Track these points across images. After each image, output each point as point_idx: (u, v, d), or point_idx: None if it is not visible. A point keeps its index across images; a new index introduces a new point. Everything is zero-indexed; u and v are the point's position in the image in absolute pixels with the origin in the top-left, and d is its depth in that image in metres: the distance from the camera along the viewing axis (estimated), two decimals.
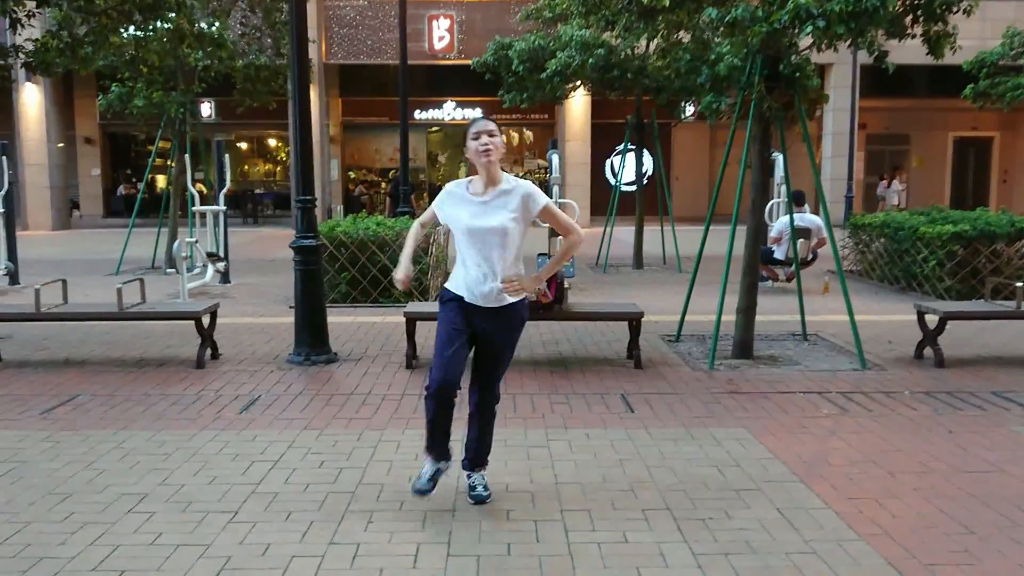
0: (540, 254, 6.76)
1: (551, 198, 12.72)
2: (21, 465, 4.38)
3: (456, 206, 3.73)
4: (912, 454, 4.54)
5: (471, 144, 3.65)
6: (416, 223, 4.06)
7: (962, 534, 3.53)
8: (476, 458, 3.95)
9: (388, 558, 3.31)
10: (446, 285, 3.82)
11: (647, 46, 11.79)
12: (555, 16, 12.41)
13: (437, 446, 3.81)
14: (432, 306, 7.76)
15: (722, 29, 6.24)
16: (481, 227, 3.64)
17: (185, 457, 4.49)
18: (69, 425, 5.07)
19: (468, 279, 3.71)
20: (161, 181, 24.90)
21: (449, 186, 3.82)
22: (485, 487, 3.90)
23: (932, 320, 6.76)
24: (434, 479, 3.83)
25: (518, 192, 3.67)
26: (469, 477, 3.95)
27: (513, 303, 3.74)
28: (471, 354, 3.85)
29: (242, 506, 3.83)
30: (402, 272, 3.86)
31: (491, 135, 3.64)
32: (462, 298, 3.73)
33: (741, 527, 3.60)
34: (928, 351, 6.73)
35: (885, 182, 23.54)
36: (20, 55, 8.49)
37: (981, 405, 5.51)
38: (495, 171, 3.68)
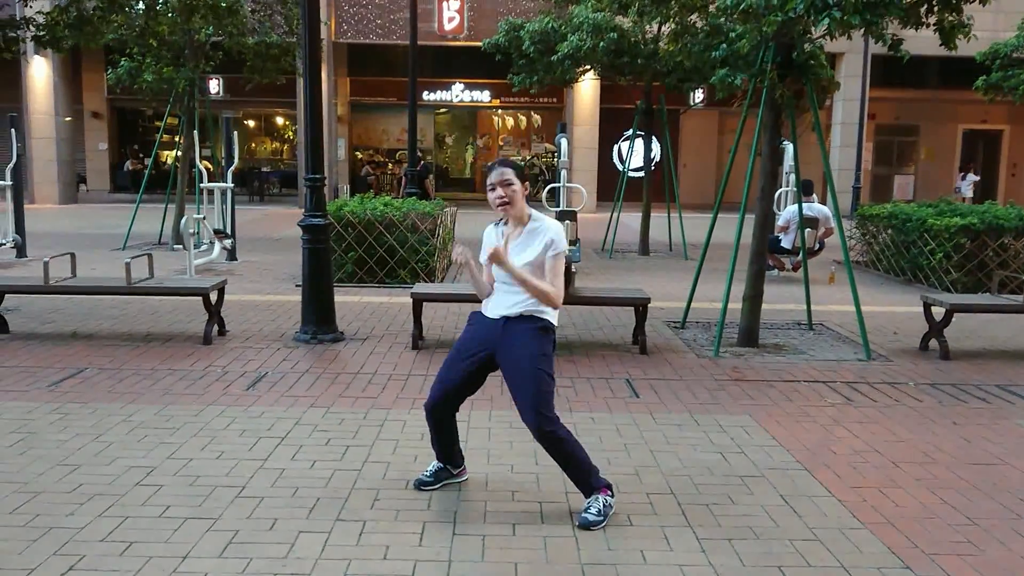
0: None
1: (559, 182, 12.75)
2: (30, 436, 4.41)
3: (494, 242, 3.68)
4: (916, 445, 4.55)
5: (488, 195, 3.62)
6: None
7: (965, 525, 3.54)
8: (580, 487, 3.58)
9: (394, 535, 3.34)
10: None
11: (658, 30, 11.74)
12: None
13: (440, 452, 3.84)
14: (438, 287, 7.79)
15: (736, 16, 6.20)
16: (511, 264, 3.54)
17: (192, 432, 4.52)
18: (77, 398, 5.10)
19: (494, 299, 3.70)
20: (169, 157, 24.92)
21: (488, 231, 3.76)
22: (599, 511, 3.46)
23: (938, 312, 6.75)
24: (437, 476, 3.83)
25: (543, 234, 3.57)
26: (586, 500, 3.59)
27: (526, 318, 3.57)
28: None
29: (249, 481, 3.86)
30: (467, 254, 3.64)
31: (506, 185, 3.56)
32: (483, 318, 3.72)
33: (745, 513, 3.62)
34: (934, 343, 6.74)
35: (962, 175, 23.50)
36: (30, 28, 8.48)
37: (985, 398, 5.52)
38: (518, 215, 3.62)
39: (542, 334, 3.58)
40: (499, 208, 3.60)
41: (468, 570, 3.09)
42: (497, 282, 3.69)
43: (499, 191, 3.57)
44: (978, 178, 23.58)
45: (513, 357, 3.54)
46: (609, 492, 3.55)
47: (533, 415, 3.46)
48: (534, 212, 3.68)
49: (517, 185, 3.60)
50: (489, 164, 3.71)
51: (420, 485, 3.81)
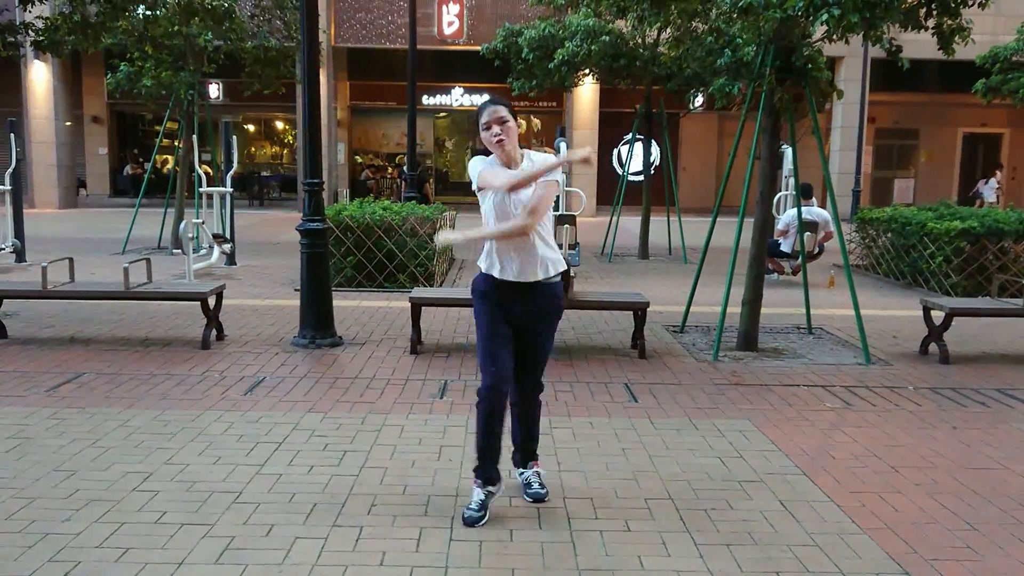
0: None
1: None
2: (27, 441, 4.40)
3: (496, 176, 3.50)
4: (915, 449, 4.54)
5: (483, 134, 3.52)
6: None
7: (964, 530, 3.53)
8: (526, 451, 3.79)
9: (391, 541, 3.33)
10: (481, 271, 3.63)
11: (657, 35, 11.75)
12: (567, 2, 12.38)
13: (488, 464, 3.56)
14: (437, 291, 7.78)
15: (735, 15, 6.20)
16: (517, 199, 3.49)
17: (190, 437, 4.51)
18: (75, 402, 5.09)
19: (504, 256, 3.53)
20: (168, 161, 24.92)
21: (481, 159, 3.60)
22: (542, 484, 3.75)
23: (938, 316, 6.74)
24: (484, 506, 3.52)
25: (539, 164, 3.50)
26: (522, 475, 3.81)
27: (555, 281, 3.59)
28: None
29: (246, 487, 3.85)
30: (457, 235, 3.61)
31: (502, 122, 3.48)
32: (496, 284, 3.56)
33: (743, 518, 3.60)
34: (933, 347, 6.72)
35: (984, 179, 23.41)
36: (29, 33, 8.48)
37: (985, 402, 5.50)
38: (512, 153, 3.54)
39: (560, 312, 3.72)
40: (496, 146, 3.49)
41: None
42: (493, 220, 3.52)
43: (495, 128, 3.47)
44: (999, 185, 23.27)
45: (540, 337, 3.65)
46: (539, 463, 3.86)
47: (536, 382, 3.73)
48: (526, 151, 3.61)
49: (511, 122, 3.51)
50: (479, 105, 3.59)
51: (473, 523, 3.46)
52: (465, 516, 3.52)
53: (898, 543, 3.39)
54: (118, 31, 9.52)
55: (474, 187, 3.57)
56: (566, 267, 3.67)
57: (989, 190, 22.81)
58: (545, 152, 3.70)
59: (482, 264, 3.63)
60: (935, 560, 3.25)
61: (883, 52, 6.52)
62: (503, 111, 3.50)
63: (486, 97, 3.55)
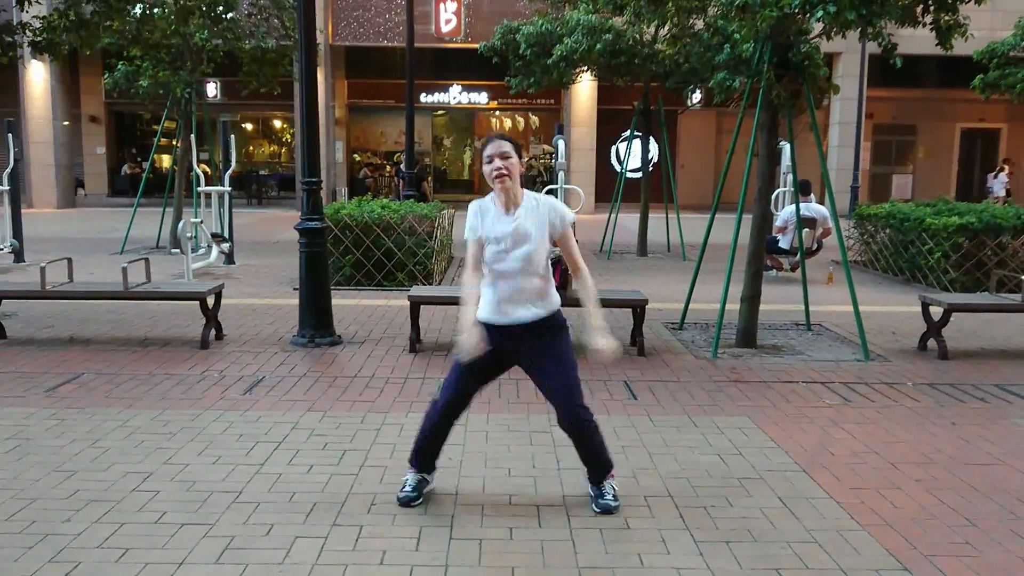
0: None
1: (557, 184, 12.70)
2: (26, 442, 4.40)
3: (493, 222, 3.50)
4: (914, 445, 4.55)
5: (485, 168, 3.46)
6: (469, 269, 3.62)
7: (963, 526, 3.54)
8: (594, 474, 3.68)
9: (390, 540, 3.33)
10: (477, 315, 3.58)
11: (655, 32, 11.73)
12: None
13: (424, 459, 3.71)
14: (435, 289, 7.78)
15: (733, 13, 6.19)
16: (512, 253, 3.46)
17: (189, 437, 4.51)
18: (74, 403, 5.09)
19: (499, 295, 3.52)
20: (166, 161, 24.90)
21: (479, 204, 3.57)
22: (615, 496, 3.64)
23: (937, 312, 6.75)
24: (418, 488, 3.68)
25: (545, 206, 3.52)
26: (595, 486, 3.70)
27: (544, 316, 3.54)
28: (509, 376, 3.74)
29: (246, 486, 3.85)
30: (473, 337, 3.49)
31: (504, 157, 3.42)
32: (489, 326, 3.53)
33: (743, 515, 3.61)
34: (932, 343, 6.73)
35: (992, 174, 23.29)
36: (27, 33, 8.47)
37: (984, 398, 5.51)
38: (514, 193, 3.48)
39: (566, 332, 3.63)
40: (496, 181, 3.43)
41: (465, 574, 3.08)
42: (500, 277, 3.49)
43: (496, 163, 3.42)
44: (1008, 180, 23.10)
45: (549, 359, 3.55)
46: (612, 474, 3.72)
47: (568, 401, 3.53)
48: (526, 191, 3.57)
49: (515, 159, 3.46)
50: (485, 138, 3.57)
51: (408, 503, 3.63)
52: (401, 496, 3.66)
53: (897, 539, 3.39)
54: (112, 30, 9.48)
55: (465, 235, 3.58)
56: (557, 307, 3.60)
57: (998, 184, 22.75)
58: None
59: (479, 315, 3.58)
60: (934, 556, 3.25)
61: (880, 49, 6.52)
62: (507, 147, 3.46)
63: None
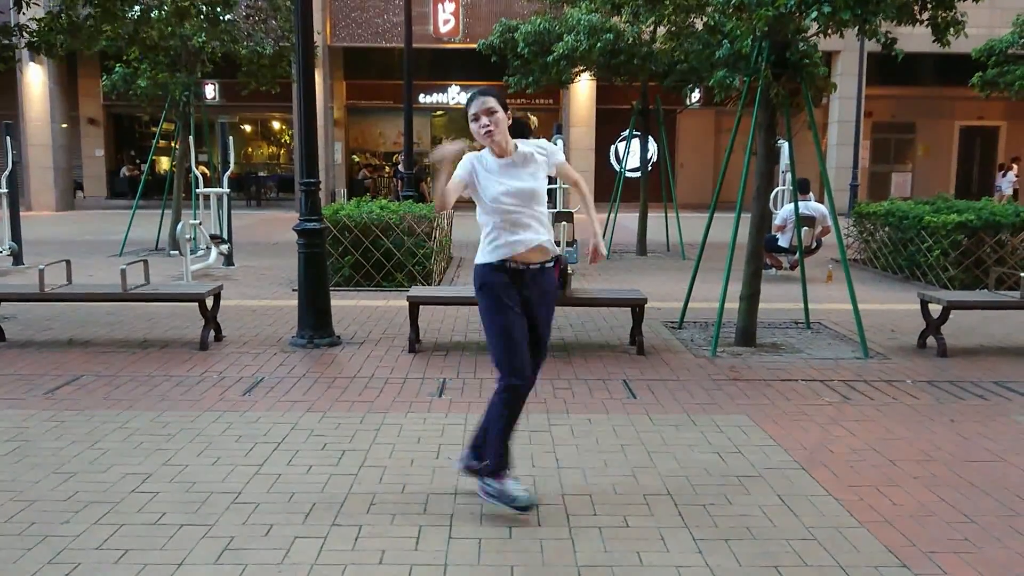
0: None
1: (555, 184, 12.70)
2: (26, 444, 4.40)
3: (488, 175, 3.53)
4: (913, 442, 4.55)
5: (472, 127, 3.50)
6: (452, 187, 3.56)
7: (962, 522, 3.54)
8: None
9: (390, 539, 3.33)
10: (480, 262, 3.56)
11: (654, 31, 11.74)
12: None
13: (505, 455, 3.60)
14: (435, 290, 7.77)
15: (730, 12, 6.20)
16: (520, 188, 3.49)
17: (189, 438, 4.51)
18: (73, 405, 5.09)
19: (514, 237, 3.49)
20: (165, 163, 24.90)
21: (473, 156, 3.57)
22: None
23: (936, 309, 6.75)
24: (526, 488, 3.60)
25: (535, 155, 3.57)
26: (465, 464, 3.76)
27: (550, 265, 3.61)
28: None
29: (245, 487, 3.85)
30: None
31: (490, 113, 3.45)
32: (505, 271, 3.51)
33: (742, 513, 3.61)
34: (931, 340, 6.73)
35: (1002, 172, 23.19)
36: (24, 35, 8.47)
37: (983, 395, 5.51)
38: (503, 145, 3.52)
39: (554, 277, 3.69)
40: (485, 138, 3.47)
41: (464, 573, 3.08)
42: (505, 215, 3.47)
43: (483, 120, 3.44)
44: (1016, 178, 22.96)
45: (547, 302, 3.64)
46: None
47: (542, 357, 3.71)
48: (517, 141, 3.58)
49: (500, 113, 3.47)
50: (469, 95, 3.56)
51: (528, 505, 3.51)
52: (518, 503, 3.50)
53: (896, 536, 3.39)
54: (112, 31, 9.48)
55: (459, 177, 3.56)
56: (559, 253, 3.69)
57: (1007, 183, 22.68)
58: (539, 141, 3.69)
59: (486, 250, 3.56)
60: (933, 553, 3.25)
61: (879, 46, 6.52)
62: (492, 102, 3.47)
63: (476, 91, 3.54)
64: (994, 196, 22.05)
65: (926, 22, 6.14)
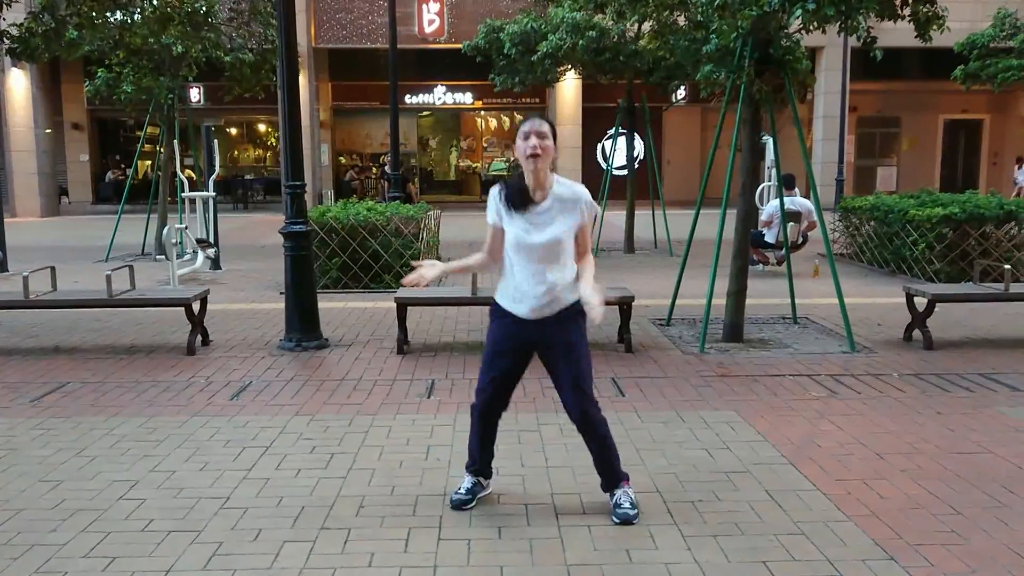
0: None
1: None
2: (12, 452, 4.37)
3: (510, 217, 3.45)
4: (901, 436, 4.57)
5: (519, 144, 3.38)
6: (482, 251, 3.61)
7: (950, 514, 3.56)
8: (607, 480, 3.62)
9: (379, 542, 3.33)
10: (496, 298, 3.58)
11: (639, 28, 11.75)
12: None
13: (481, 461, 3.69)
14: (423, 292, 7.75)
15: (712, 12, 6.21)
16: (535, 242, 3.39)
17: (176, 443, 4.49)
18: (60, 412, 5.06)
19: (520, 289, 3.45)
20: (150, 167, 24.76)
21: (496, 191, 3.51)
22: (632, 504, 3.52)
23: (921, 303, 6.79)
24: (472, 492, 3.65)
25: (575, 200, 3.43)
26: (612, 496, 3.59)
27: (565, 307, 3.46)
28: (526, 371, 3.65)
29: (233, 492, 3.84)
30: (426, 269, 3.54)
31: (541, 136, 3.35)
32: (512, 314, 3.50)
33: (730, 509, 3.62)
34: (917, 333, 6.77)
35: (1018, 164, 23.07)
36: (4, 40, 8.41)
37: (969, 387, 5.54)
38: (543, 176, 3.39)
39: (582, 319, 3.50)
40: (529, 160, 3.34)
41: (454, 575, 3.08)
42: (520, 265, 3.41)
43: (533, 140, 3.33)
44: None
45: (560, 348, 3.47)
46: (628, 483, 3.63)
47: (576, 395, 3.48)
48: (556, 176, 3.47)
49: (551, 143, 3.37)
50: (526, 117, 3.50)
51: (460, 505, 3.61)
52: (453, 499, 3.64)
53: (883, 529, 3.41)
54: (94, 37, 9.41)
55: (489, 220, 3.52)
56: (579, 296, 3.46)
57: (1022, 175, 22.63)
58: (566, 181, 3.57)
59: (500, 288, 3.58)
60: (920, 545, 3.27)
61: (859, 43, 6.55)
62: (546, 128, 3.40)
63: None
64: (1013, 190, 22.08)
65: (908, 17, 6.17)
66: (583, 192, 3.47)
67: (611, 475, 3.59)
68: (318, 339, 6.81)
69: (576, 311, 3.47)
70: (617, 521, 3.47)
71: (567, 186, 3.47)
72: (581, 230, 3.49)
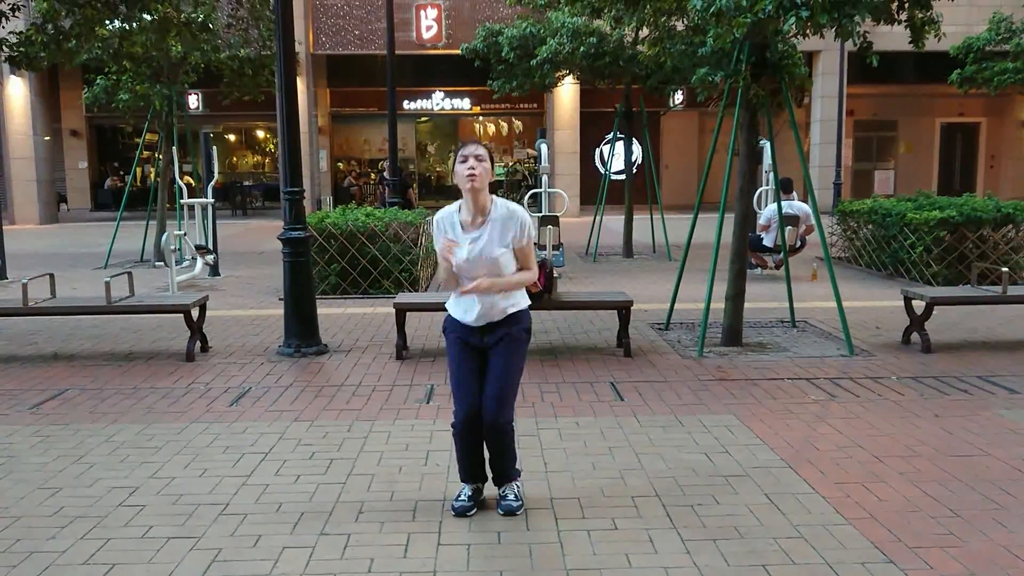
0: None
1: (540, 188, 12.73)
2: (11, 460, 4.37)
3: (458, 237, 3.58)
4: (899, 438, 4.58)
5: (457, 168, 3.50)
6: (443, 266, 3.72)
7: (948, 517, 3.56)
8: (498, 477, 3.71)
9: (379, 548, 3.33)
10: (448, 309, 3.72)
11: (636, 33, 11.78)
12: (547, 2, 12.40)
13: (472, 470, 3.71)
14: (421, 296, 7.78)
15: (708, 18, 6.23)
16: (475, 260, 3.53)
17: (175, 450, 4.49)
18: (59, 419, 5.06)
19: (463, 302, 3.62)
20: (149, 174, 24.76)
21: (440, 217, 3.64)
22: (517, 496, 3.67)
23: (919, 306, 6.80)
24: (473, 498, 3.67)
25: (511, 221, 3.55)
26: (500, 489, 3.72)
27: (514, 313, 3.62)
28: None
29: (233, 498, 3.84)
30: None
31: (478, 159, 3.47)
32: (463, 326, 3.64)
33: (729, 513, 3.63)
34: (915, 336, 6.78)
35: None
36: (4, 48, 8.42)
37: (967, 389, 5.55)
38: (482, 198, 3.53)
39: (525, 336, 3.68)
40: (467, 181, 3.46)
41: None
42: (464, 277, 3.57)
43: (471, 162, 3.46)
44: None
45: (500, 358, 3.59)
46: (519, 480, 3.76)
47: (497, 405, 3.56)
48: (495, 198, 3.61)
49: (488, 164, 3.51)
50: (462, 142, 3.62)
51: (463, 512, 3.61)
52: (455, 507, 3.64)
53: (882, 532, 3.42)
54: (92, 45, 9.43)
55: (436, 246, 3.65)
56: (526, 307, 3.70)
57: None
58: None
59: (449, 306, 3.73)
60: (918, 548, 3.28)
61: (855, 48, 6.57)
62: (483, 152, 3.53)
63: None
64: None
65: (904, 22, 6.19)
66: (520, 212, 3.61)
67: (504, 475, 3.70)
68: (317, 345, 6.81)
69: (522, 328, 3.65)
70: (501, 513, 3.62)
71: (505, 206, 3.60)
72: (520, 248, 3.62)
